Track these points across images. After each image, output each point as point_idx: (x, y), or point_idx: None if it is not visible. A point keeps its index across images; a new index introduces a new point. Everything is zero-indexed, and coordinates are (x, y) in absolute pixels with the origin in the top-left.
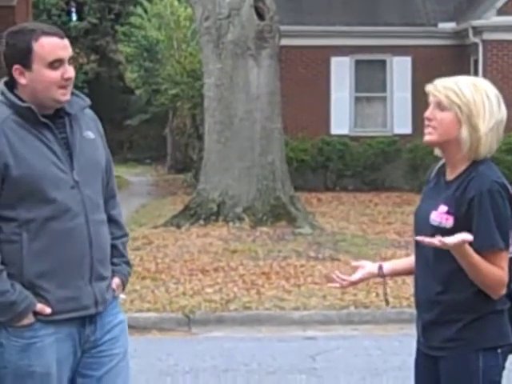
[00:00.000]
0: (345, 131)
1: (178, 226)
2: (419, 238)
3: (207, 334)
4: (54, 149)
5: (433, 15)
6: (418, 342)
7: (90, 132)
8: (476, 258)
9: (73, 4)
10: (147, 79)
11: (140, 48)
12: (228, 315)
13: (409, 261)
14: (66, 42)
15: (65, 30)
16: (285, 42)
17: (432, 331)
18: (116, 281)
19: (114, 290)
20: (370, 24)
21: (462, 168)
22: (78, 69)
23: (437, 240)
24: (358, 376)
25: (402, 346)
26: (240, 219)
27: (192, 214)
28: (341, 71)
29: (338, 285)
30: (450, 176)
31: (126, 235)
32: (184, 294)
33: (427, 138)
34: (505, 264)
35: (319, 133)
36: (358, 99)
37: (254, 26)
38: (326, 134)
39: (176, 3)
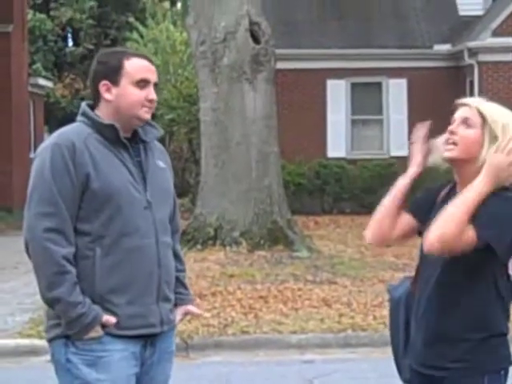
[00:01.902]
0: (341, 154)
1: None
2: None
3: (205, 358)
4: (130, 169)
5: (428, 37)
6: (412, 359)
7: (161, 162)
8: (475, 206)
9: (69, 30)
10: None
11: None
12: (226, 340)
13: (396, 211)
14: (154, 67)
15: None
16: (280, 65)
17: (435, 350)
18: (191, 307)
19: (174, 318)
20: (365, 46)
21: None
22: (75, 94)
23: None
24: None
25: None
26: (237, 243)
27: (189, 239)
28: (337, 94)
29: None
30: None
31: (185, 270)
32: (182, 318)
33: (447, 154)
34: (467, 246)
35: (316, 156)
36: (354, 122)
37: (250, 50)
38: (322, 157)
39: (172, 28)
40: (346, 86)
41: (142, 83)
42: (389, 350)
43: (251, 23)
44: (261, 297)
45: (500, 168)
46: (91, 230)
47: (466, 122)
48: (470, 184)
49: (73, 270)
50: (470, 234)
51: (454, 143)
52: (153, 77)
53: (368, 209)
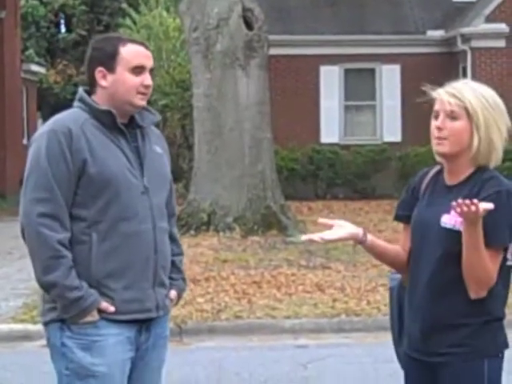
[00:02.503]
0: (335, 140)
1: None
2: (457, 203)
3: (199, 343)
4: (127, 154)
5: (421, 23)
6: (409, 348)
7: (158, 147)
8: (482, 242)
9: (61, 16)
10: None
11: None
12: (219, 325)
13: (393, 250)
14: (150, 53)
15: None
16: (273, 51)
17: (434, 337)
18: (173, 293)
19: (169, 303)
20: (358, 33)
21: (466, 173)
22: (67, 81)
23: (473, 206)
24: None
25: (393, 353)
26: (231, 229)
27: (183, 225)
28: (330, 80)
29: (318, 239)
30: (451, 181)
31: (182, 254)
32: (175, 304)
33: (439, 149)
34: (498, 266)
35: (309, 142)
36: (347, 108)
37: (243, 36)
38: (315, 143)
39: (165, 14)
40: (339, 72)
41: (138, 69)
42: (382, 335)
43: (244, 9)
44: (254, 282)
45: (470, 219)
46: (87, 215)
47: (450, 115)
48: (458, 175)
49: (68, 254)
50: (494, 255)
51: (445, 138)
52: (148, 63)
53: (361, 194)
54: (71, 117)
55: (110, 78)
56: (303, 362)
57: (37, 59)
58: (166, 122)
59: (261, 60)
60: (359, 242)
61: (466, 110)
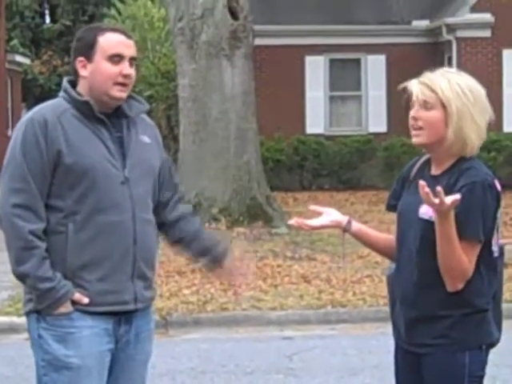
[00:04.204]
0: (320, 130)
1: None
2: (424, 190)
3: (184, 335)
4: (108, 145)
5: (406, 13)
6: (398, 338)
7: (146, 137)
8: (457, 240)
9: (46, 6)
10: None
11: None
12: (205, 316)
13: (383, 239)
14: (131, 42)
15: (38, 33)
16: (259, 41)
17: (418, 328)
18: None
19: (152, 297)
20: (343, 23)
21: (449, 163)
22: (52, 71)
23: (437, 198)
24: (336, 375)
25: (379, 344)
26: (216, 220)
27: None
28: (315, 70)
29: (304, 226)
30: (436, 171)
31: (198, 222)
32: (161, 295)
33: (416, 140)
34: (474, 258)
35: (294, 132)
36: (332, 98)
37: (228, 26)
38: (301, 134)
39: (149, 4)
40: (324, 63)
41: (116, 58)
42: (368, 326)
43: None
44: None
45: (438, 211)
46: (64, 206)
47: (423, 105)
48: (442, 165)
49: (42, 245)
50: (468, 247)
51: (420, 128)
52: (128, 51)
53: (347, 185)
54: (51, 107)
55: (89, 67)
56: (289, 354)
57: (21, 50)
58: (151, 113)
59: (246, 50)
60: (344, 229)
61: (440, 99)
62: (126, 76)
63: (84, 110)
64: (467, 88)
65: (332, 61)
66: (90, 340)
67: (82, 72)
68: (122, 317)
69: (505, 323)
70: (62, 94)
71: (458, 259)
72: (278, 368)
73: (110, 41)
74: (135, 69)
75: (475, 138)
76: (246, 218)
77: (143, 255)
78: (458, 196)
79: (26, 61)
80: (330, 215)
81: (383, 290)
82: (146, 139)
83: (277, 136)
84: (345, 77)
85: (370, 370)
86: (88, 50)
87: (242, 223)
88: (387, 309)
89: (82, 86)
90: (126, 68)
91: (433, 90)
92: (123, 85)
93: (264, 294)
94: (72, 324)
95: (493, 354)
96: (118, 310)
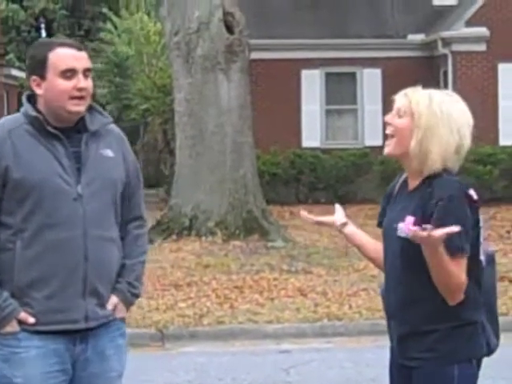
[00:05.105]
0: (316, 144)
1: (151, 242)
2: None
3: (181, 349)
4: (61, 160)
5: (402, 27)
6: (392, 351)
7: (110, 150)
8: (446, 257)
9: (42, 20)
10: (118, 95)
11: (110, 64)
12: (201, 330)
13: (373, 249)
14: (83, 54)
15: None
16: (255, 55)
17: (408, 343)
18: (112, 300)
19: (113, 311)
20: (339, 36)
21: (420, 178)
22: None
23: (426, 233)
24: None
25: (375, 357)
26: (212, 233)
27: (164, 229)
28: (311, 84)
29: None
30: (411, 185)
31: (142, 255)
32: (157, 309)
33: (386, 150)
34: (464, 268)
35: (290, 146)
36: (328, 112)
37: (224, 40)
38: (297, 147)
39: (146, 18)
40: (320, 76)
41: (69, 73)
42: (364, 339)
43: (225, 13)
44: (236, 287)
45: (428, 244)
46: (13, 222)
47: (397, 112)
48: (415, 179)
49: None
50: (455, 260)
51: (392, 135)
52: (80, 64)
53: (343, 198)
54: (6, 122)
55: (43, 85)
56: (286, 367)
57: (17, 64)
58: (147, 127)
59: (242, 64)
60: (337, 229)
61: (411, 108)
62: (80, 89)
63: (36, 125)
64: (446, 111)
65: (328, 74)
66: (35, 361)
67: (38, 91)
68: (77, 335)
69: (500, 336)
70: (22, 109)
71: (450, 274)
72: (275, 381)
73: (61, 56)
74: (91, 79)
75: (438, 156)
76: (242, 231)
77: (97, 272)
78: (446, 230)
79: (22, 75)
80: (337, 211)
81: (379, 303)
82: (109, 153)
83: (273, 149)
84: (341, 90)
85: (367, 383)
86: (40, 69)
87: (238, 236)
88: (383, 322)
89: (40, 103)
90: (80, 81)
91: (409, 100)
92: (79, 98)
93: (260, 307)
94: (19, 344)
95: (488, 367)
96: (66, 329)
